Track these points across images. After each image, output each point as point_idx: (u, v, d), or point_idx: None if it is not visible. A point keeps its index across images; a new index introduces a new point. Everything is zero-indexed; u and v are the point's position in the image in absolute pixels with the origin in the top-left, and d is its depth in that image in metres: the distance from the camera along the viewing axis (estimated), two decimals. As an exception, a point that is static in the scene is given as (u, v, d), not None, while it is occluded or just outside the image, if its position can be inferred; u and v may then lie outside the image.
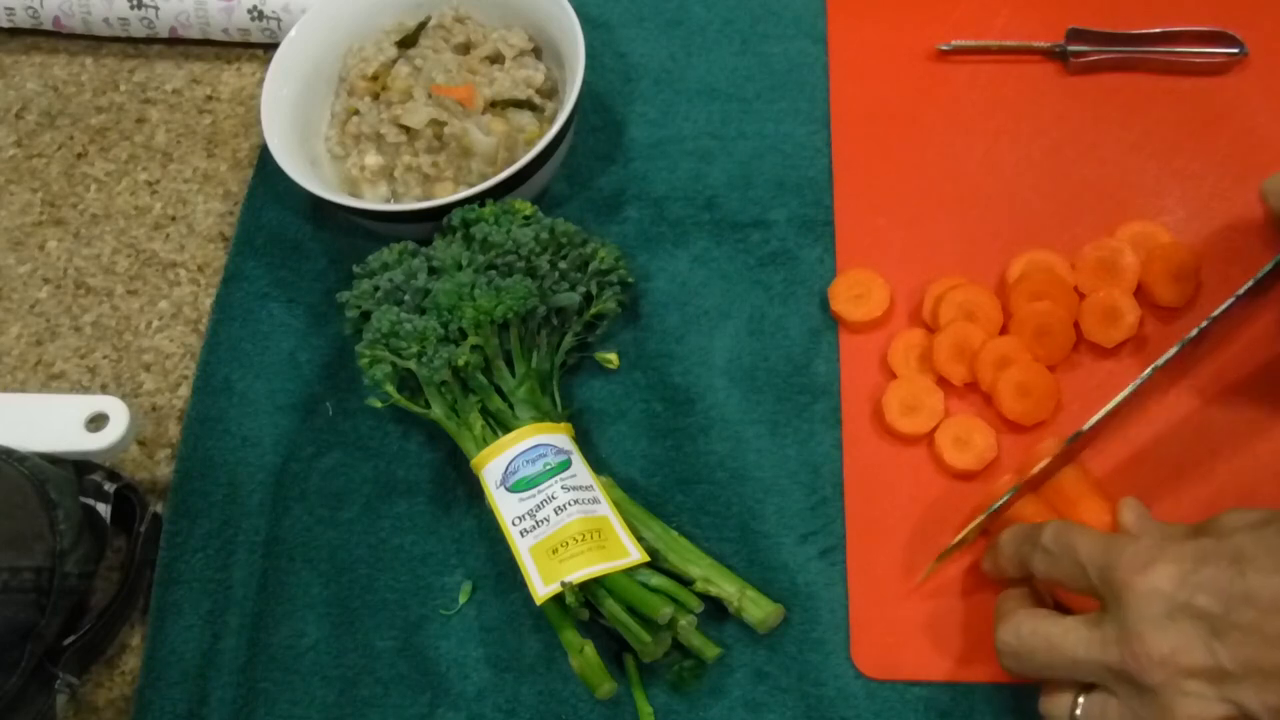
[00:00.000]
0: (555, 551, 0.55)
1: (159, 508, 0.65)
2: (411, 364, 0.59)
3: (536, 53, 0.73)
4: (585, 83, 0.67)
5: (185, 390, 0.69)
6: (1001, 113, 0.72)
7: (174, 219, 0.76)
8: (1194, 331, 0.59)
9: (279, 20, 0.78)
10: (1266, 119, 0.69)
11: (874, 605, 0.58)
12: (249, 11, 0.78)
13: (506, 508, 0.57)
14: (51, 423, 0.61)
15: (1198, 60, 0.71)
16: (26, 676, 0.56)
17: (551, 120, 0.70)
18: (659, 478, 0.63)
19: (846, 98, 0.73)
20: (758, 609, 0.57)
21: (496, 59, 0.72)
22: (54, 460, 0.60)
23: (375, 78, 0.72)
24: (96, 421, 0.62)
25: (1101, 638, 0.46)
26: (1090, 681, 0.47)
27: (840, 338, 0.65)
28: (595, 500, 0.57)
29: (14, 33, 0.84)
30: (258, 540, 0.63)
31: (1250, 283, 0.59)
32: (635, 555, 0.55)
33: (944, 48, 0.74)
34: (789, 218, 0.70)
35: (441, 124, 0.68)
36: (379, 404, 0.62)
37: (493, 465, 0.58)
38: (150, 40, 0.83)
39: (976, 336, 0.62)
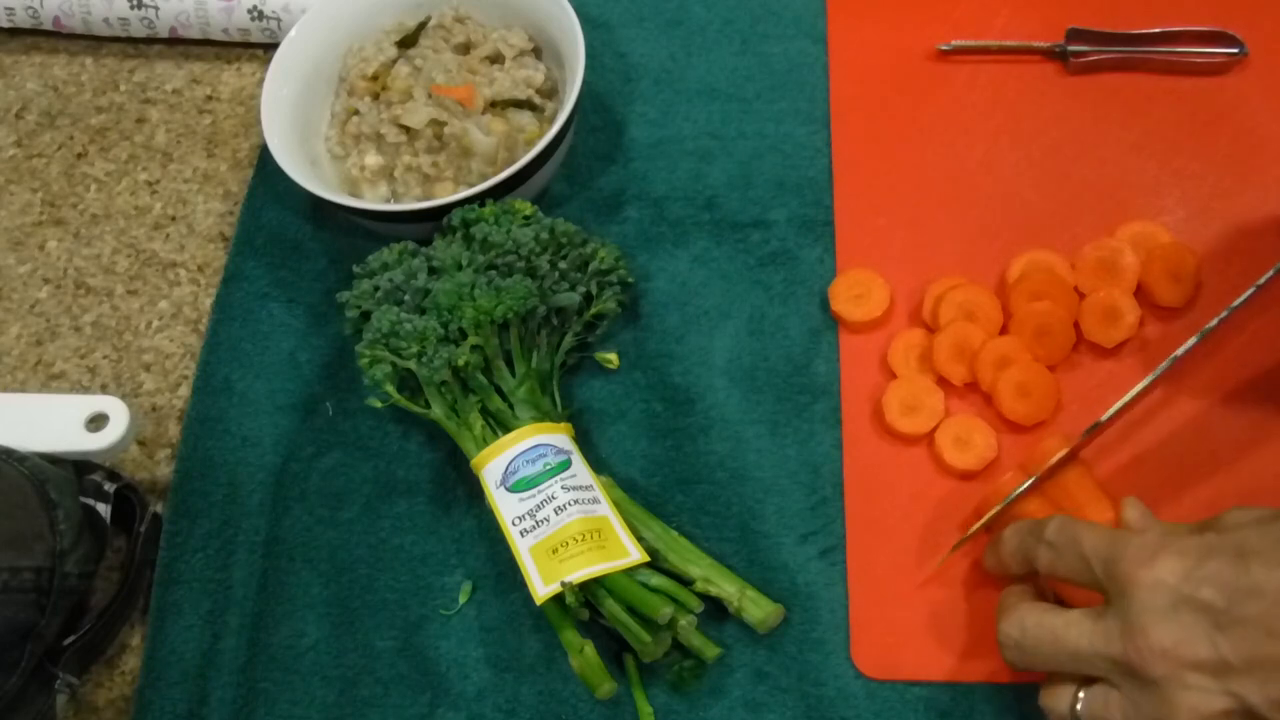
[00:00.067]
0: (555, 551, 0.55)
1: (159, 508, 0.65)
2: (411, 364, 0.59)
3: (536, 53, 0.73)
4: (585, 83, 0.67)
5: (185, 390, 0.69)
6: (1001, 113, 0.72)
7: (174, 219, 0.76)
8: (1213, 322, 0.59)
9: (279, 20, 0.78)
10: (1266, 119, 0.69)
11: (874, 605, 0.58)
12: (249, 11, 0.78)
13: (506, 508, 0.57)
14: (51, 423, 0.61)
15: (1198, 60, 0.71)
16: (26, 676, 0.56)
17: (551, 120, 0.70)
18: (659, 478, 0.63)
19: (846, 98, 0.73)
20: (758, 609, 0.57)
21: (496, 59, 0.72)
22: (54, 460, 0.60)
23: (375, 78, 0.72)
24: (96, 421, 0.62)
25: (1105, 630, 0.46)
26: (1092, 675, 0.47)
27: (840, 338, 0.65)
28: (595, 500, 0.57)
29: (14, 33, 0.84)
30: (258, 540, 0.63)
31: (1263, 279, 0.59)
32: (635, 555, 0.55)
33: (944, 48, 0.74)
34: (789, 218, 0.70)
35: (441, 124, 0.68)
36: (379, 404, 0.62)
37: (493, 465, 0.58)
38: (150, 40, 0.83)
39: (976, 336, 0.62)
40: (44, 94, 0.82)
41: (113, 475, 0.63)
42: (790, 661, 0.57)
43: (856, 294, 0.65)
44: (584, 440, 0.62)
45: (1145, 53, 0.72)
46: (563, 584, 0.54)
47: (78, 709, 0.61)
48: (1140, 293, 0.63)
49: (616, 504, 0.58)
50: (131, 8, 0.79)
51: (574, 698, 0.58)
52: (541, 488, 0.57)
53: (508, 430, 0.59)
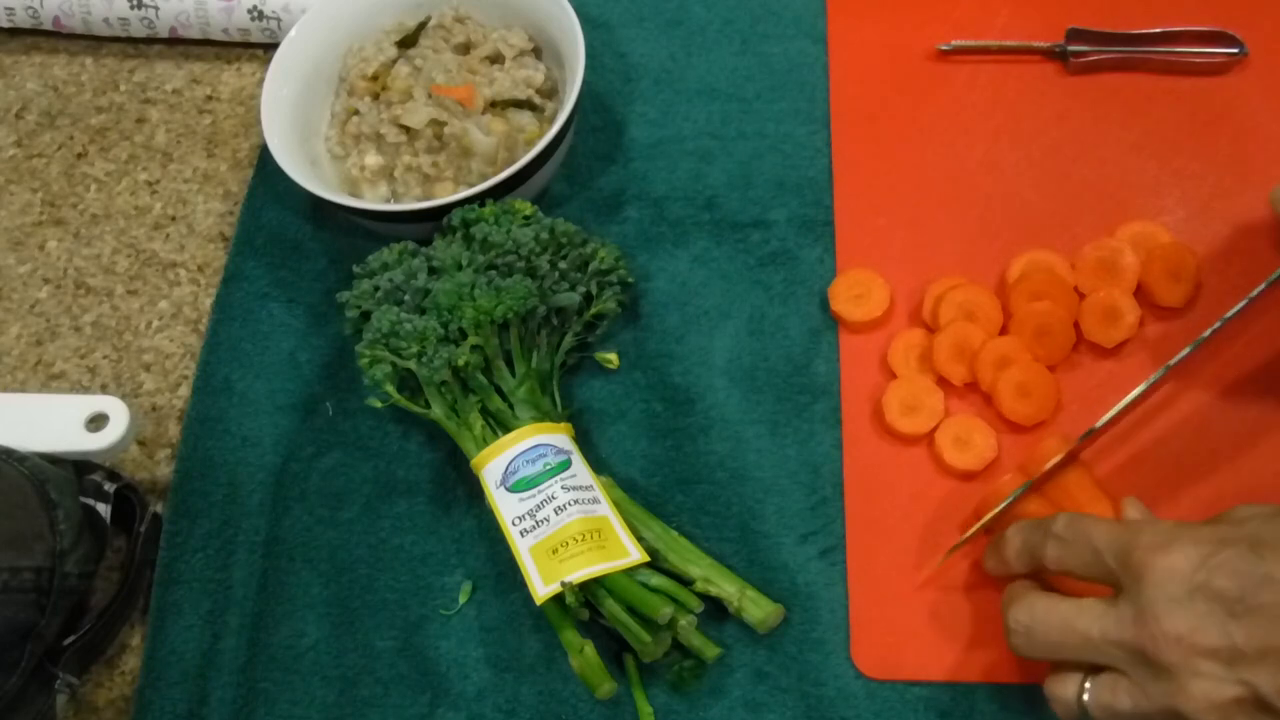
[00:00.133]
0: (555, 551, 0.55)
1: (159, 508, 0.65)
2: (411, 364, 0.59)
3: (536, 53, 0.73)
4: (585, 83, 0.67)
5: (185, 390, 0.69)
6: (1001, 113, 0.72)
7: (174, 219, 0.76)
8: (1208, 332, 0.59)
9: (279, 20, 0.78)
10: (1266, 119, 0.69)
11: (874, 605, 0.58)
12: (249, 11, 0.78)
13: (506, 508, 0.57)
14: (51, 423, 0.61)
15: (1198, 60, 0.71)
16: (26, 676, 0.56)
17: (551, 120, 0.70)
18: (659, 478, 0.63)
19: (846, 98, 0.73)
20: (758, 609, 0.57)
21: (496, 59, 0.72)
22: (54, 460, 0.60)
23: (375, 78, 0.72)
24: (96, 421, 0.62)
25: (1117, 616, 0.46)
26: (1101, 663, 0.47)
27: (840, 338, 0.65)
28: (595, 500, 0.57)
29: (14, 33, 0.84)
30: (258, 540, 0.63)
31: (1257, 291, 0.59)
32: (635, 555, 0.55)
33: (944, 48, 0.74)
34: (789, 218, 0.70)
35: (441, 124, 0.68)
36: (379, 404, 0.62)
37: (493, 465, 0.58)
38: (150, 40, 0.83)
39: (976, 336, 0.62)
40: (44, 94, 0.82)
41: (113, 475, 0.63)
42: (790, 661, 0.57)
43: (856, 294, 0.65)
44: (584, 440, 0.62)
45: (1145, 53, 0.72)
46: (563, 584, 0.54)
47: (78, 709, 0.61)
48: (1140, 293, 0.63)
49: (616, 504, 0.58)
50: (131, 8, 0.79)
51: (574, 698, 0.58)
52: (541, 488, 0.57)
53: (508, 430, 0.59)
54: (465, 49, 0.73)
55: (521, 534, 0.56)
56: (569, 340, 0.64)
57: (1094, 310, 0.62)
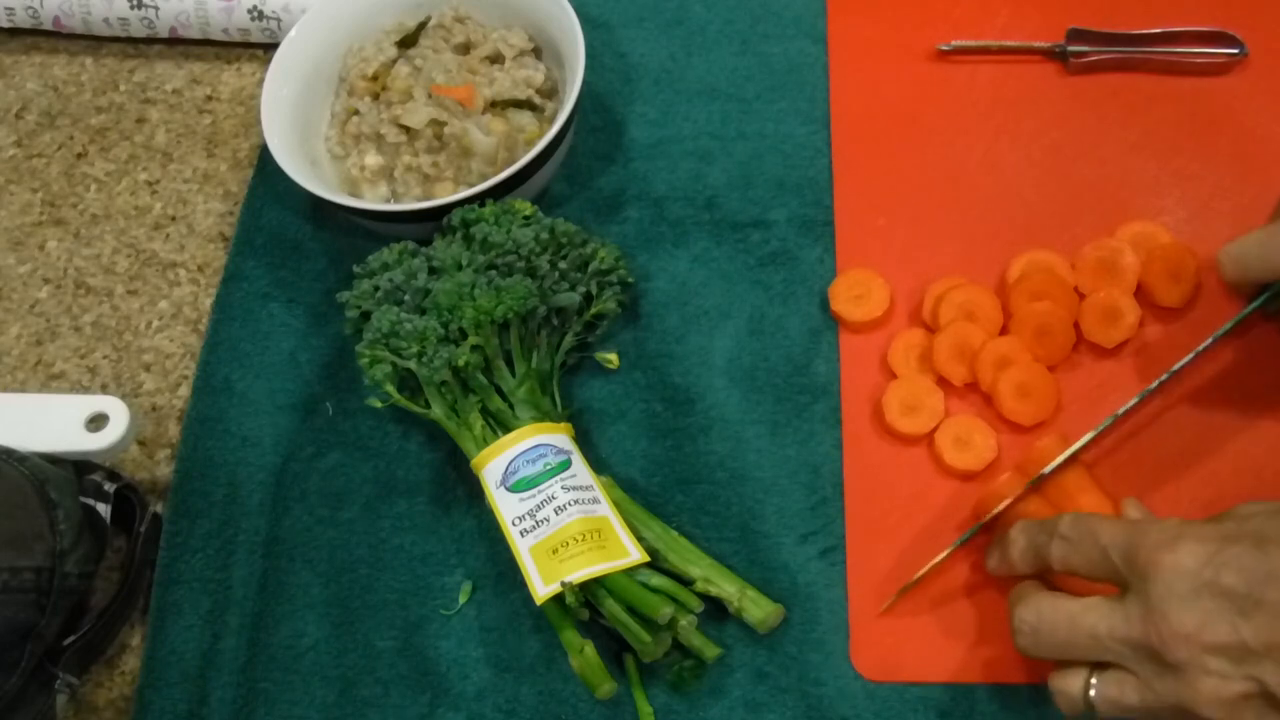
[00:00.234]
0: (555, 551, 0.55)
1: (159, 508, 0.65)
2: (411, 364, 0.59)
3: (536, 53, 0.73)
4: (585, 83, 0.67)
5: (185, 390, 0.69)
6: (1001, 113, 0.72)
7: (174, 219, 0.76)
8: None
9: (279, 20, 0.78)
10: (1267, 119, 0.69)
11: (874, 605, 0.58)
12: (249, 11, 0.78)
13: (506, 508, 0.57)
14: (51, 423, 0.61)
15: (1198, 60, 0.71)
16: (26, 676, 0.56)
17: (551, 120, 0.70)
18: (659, 478, 0.63)
19: (846, 98, 0.73)
20: (758, 609, 0.57)
21: (496, 59, 0.72)
22: (54, 460, 0.60)
23: (375, 78, 0.72)
24: (96, 421, 0.62)
25: (1125, 614, 0.46)
26: (1107, 660, 0.47)
27: (840, 338, 0.65)
28: (595, 500, 0.57)
29: (14, 33, 0.84)
30: (258, 540, 0.63)
31: (1257, 302, 0.59)
32: (635, 555, 0.55)
33: (944, 48, 0.74)
34: (789, 218, 0.70)
35: (441, 124, 0.68)
36: (379, 404, 0.62)
37: (493, 465, 0.58)
38: (150, 40, 0.83)
39: (976, 336, 0.62)
40: (44, 94, 0.82)
41: (113, 475, 0.63)
42: (790, 661, 0.57)
43: (856, 294, 0.65)
44: (584, 440, 0.62)
45: (1145, 53, 0.72)
46: (563, 584, 0.54)
47: (78, 709, 0.61)
48: (1140, 293, 0.63)
49: (616, 504, 0.58)
50: (131, 8, 0.79)
51: (574, 698, 0.58)
52: (541, 488, 0.57)
53: (508, 430, 0.59)
54: (465, 49, 0.73)
55: (521, 534, 0.56)
56: (569, 340, 0.64)
57: (1094, 310, 0.62)
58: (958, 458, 0.60)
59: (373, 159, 0.70)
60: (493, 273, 0.61)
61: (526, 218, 0.64)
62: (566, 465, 0.58)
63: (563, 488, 0.57)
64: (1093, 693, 0.48)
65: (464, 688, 0.59)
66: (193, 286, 0.73)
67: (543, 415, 0.60)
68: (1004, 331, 0.63)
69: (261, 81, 0.70)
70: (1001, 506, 0.57)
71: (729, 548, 0.60)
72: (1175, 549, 0.45)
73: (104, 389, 0.70)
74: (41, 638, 0.56)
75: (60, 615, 0.57)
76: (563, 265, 0.63)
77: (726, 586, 0.57)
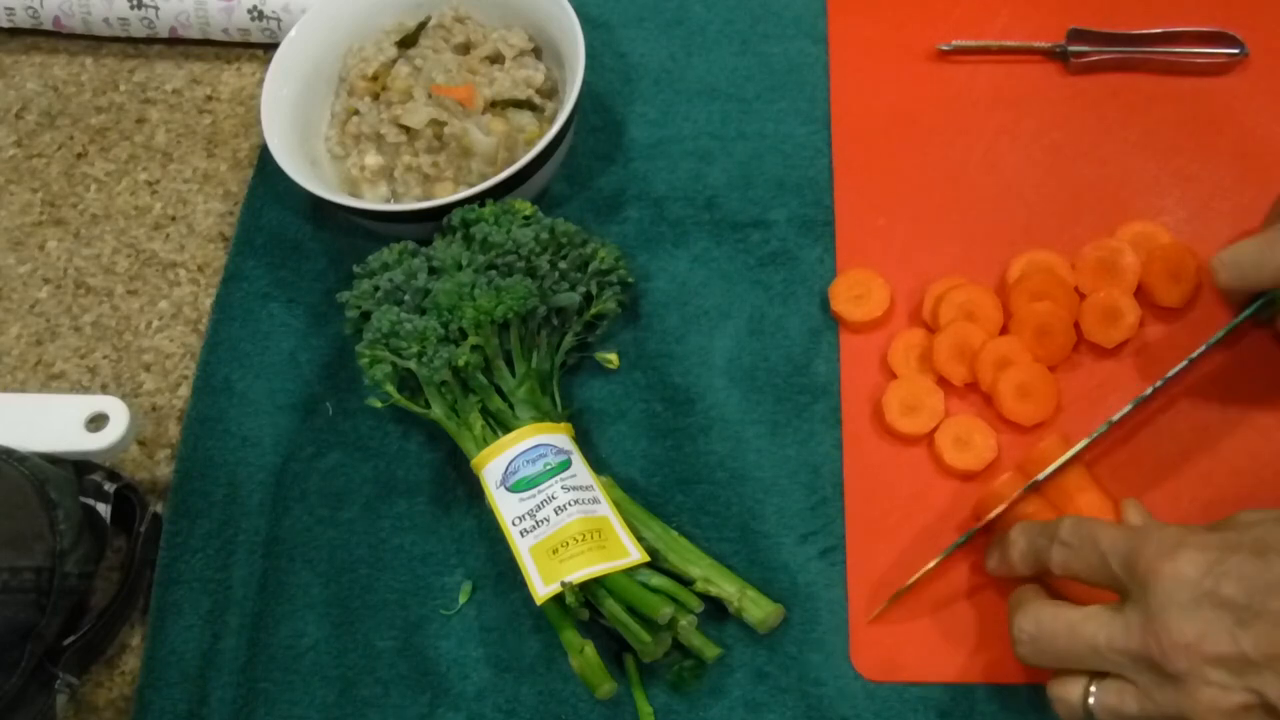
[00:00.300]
0: (555, 551, 0.55)
1: (159, 508, 0.65)
2: (411, 364, 0.59)
3: (536, 53, 0.73)
4: (585, 83, 0.67)
5: (185, 390, 0.69)
6: (1001, 113, 0.72)
7: (174, 219, 0.76)
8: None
9: (279, 20, 0.78)
10: (1267, 119, 0.69)
11: (874, 605, 0.58)
12: (249, 11, 0.78)
13: (506, 508, 0.57)
14: (51, 423, 0.61)
15: (1198, 61, 0.71)
16: (26, 676, 0.56)
17: (551, 120, 0.70)
18: (659, 478, 0.63)
19: (846, 98, 0.73)
20: (758, 609, 0.57)
21: (496, 59, 0.72)
22: (54, 460, 0.60)
23: (375, 78, 0.72)
24: (96, 421, 0.62)
25: (1124, 624, 0.46)
26: (1108, 670, 0.47)
27: (840, 338, 0.65)
28: (595, 500, 0.57)
29: (14, 33, 0.84)
30: (258, 540, 0.63)
31: (1257, 303, 0.59)
32: (635, 555, 0.55)
33: (944, 48, 0.74)
34: (789, 218, 0.70)
35: (441, 124, 0.68)
36: (379, 404, 0.62)
37: (493, 465, 0.58)
38: (150, 40, 0.83)
39: (977, 336, 0.62)
40: (44, 94, 0.82)
41: (113, 475, 0.63)
42: (790, 661, 0.57)
43: (856, 294, 0.65)
44: (584, 440, 0.62)
45: (1146, 53, 0.72)
46: (563, 584, 0.54)
47: (78, 709, 0.61)
48: (1140, 293, 0.63)
49: (616, 504, 0.58)
50: (131, 8, 0.79)
51: (574, 698, 0.58)
52: (541, 488, 0.57)
53: (508, 430, 0.59)
54: (465, 49, 0.73)
55: (521, 534, 0.56)
56: (569, 340, 0.64)
57: (1094, 310, 0.62)
58: (958, 458, 0.60)
59: (373, 159, 0.70)
60: (493, 273, 0.61)
61: (526, 218, 0.64)
62: (566, 465, 0.58)
63: (563, 488, 0.57)
64: (1092, 701, 0.47)
65: (464, 688, 0.59)
66: (193, 286, 0.73)
67: (543, 415, 0.60)
68: (1004, 331, 0.63)
69: (261, 81, 0.70)
70: (999, 510, 0.57)
71: (729, 548, 0.60)
72: (1175, 558, 0.45)
73: (104, 389, 0.70)
74: (41, 638, 0.56)
75: (60, 615, 0.57)
76: (563, 265, 0.63)
77: (726, 586, 0.57)
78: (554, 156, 0.68)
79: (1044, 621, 0.49)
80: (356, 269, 0.64)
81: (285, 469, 0.65)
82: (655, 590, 0.56)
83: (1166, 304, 0.63)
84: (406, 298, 0.61)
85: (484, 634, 0.60)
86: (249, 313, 0.70)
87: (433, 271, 0.62)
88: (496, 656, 0.59)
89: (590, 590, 0.55)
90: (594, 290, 0.64)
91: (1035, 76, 0.73)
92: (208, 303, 0.71)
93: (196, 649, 0.60)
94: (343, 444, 0.65)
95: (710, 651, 0.56)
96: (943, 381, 0.62)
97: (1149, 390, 0.59)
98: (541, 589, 0.54)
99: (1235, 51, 0.71)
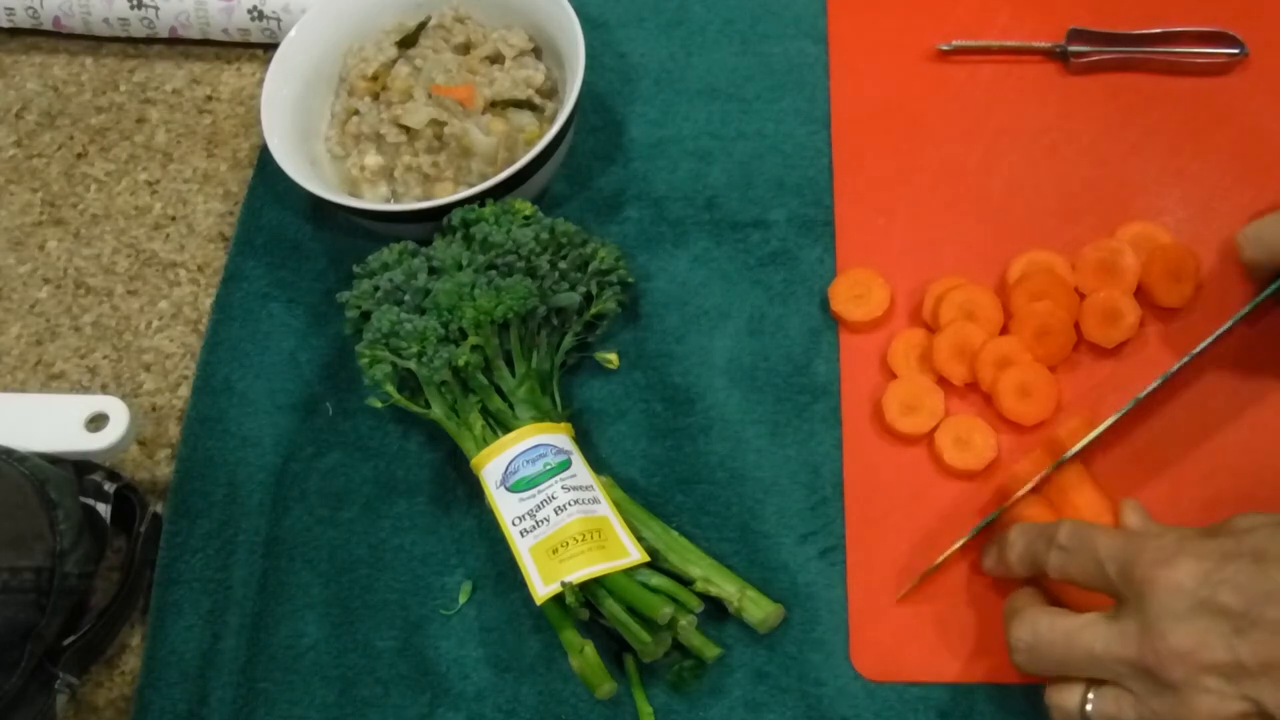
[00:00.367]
0: (555, 551, 0.55)
1: (159, 508, 0.65)
2: (411, 364, 0.59)
3: (536, 53, 0.73)
4: (585, 83, 0.67)
5: (185, 390, 0.69)
6: (1001, 113, 0.72)
7: (174, 219, 0.76)
8: (1206, 341, 0.59)
9: (279, 20, 0.78)
10: (1267, 119, 0.69)
11: (874, 605, 0.58)
12: (249, 11, 0.78)
13: (506, 508, 0.57)
14: (51, 423, 0.61)
15: (1198, 60, 0.71)
16: (26, 676, 0.56)
17: (551, 120, 0.70)
18: (659, 478, 0.63)
19: (846, 98, 0.73)
20: (758, 609, 0.57)
21: (496, 59, 0.72)
22: (54, 460, 0.60)
23: (375, 78, 0.72)
24: (96, 421, 0.62)
25: (1121, 632, 0.46)
26: (1105, 678, 0.47)
27: (840, 338, 0.65)
28: (595, 500, 0.57)
29: (14, 33, 0.84)
30: (258, 540, 0.63)
31: (1261, 297, 0.59)
32: (635, 555, 0.55)
33: (944, 48, 0.74)
34: (789, 218, 0.70)
35: (441, 124, 0.68)
36: (379, 404, 0.62)
37: (493, 465, 0.58)
38: (150, 40, 0.83)
39: (977, 336, 0.62)
40: (44, 94, 0.82)
41: (113, 475, 0.63)
42: (790, 661, 0.57)
43: (856, 294, 0.65)
44: (584, 440, 0.62)
45: (1146, 53, 0.72)
46: (563, 584, 0.54)
47: (78, 709, 0.61)
48: (1140, 293, 0.63)
49: (616, 504, 0.58)
50: (131, 8, 0.79)
51: (574, 698, 0.58)
52: (541, 488, 0.57)
53: (508, 430, 0.59)
54: (465, 49, 0.73)
55: (521, 534, 0.56)
56: (569, 340, 0.64)
57: (1094, 311, 0.62)
58: (958, 457, 0.60)
59: (373, 159, 0.70)
60: (493, 273, 0.61)
61: (526, 218, 0.64)
62: (566, 465, 0.58)
63: (563, 488, 0.57)
64: (1090, 708, 0.47)
65: (464, 688, 0.59)
66: (193, 286, 0.73)
67: (543, 415, 0.60)
68: (1004, 331, 0.63)
69: (261, 81, 0.70)
70: (1027, 489, 0.57)
71: (729, 548, 0.60)
72: (1172, 566, 0.45)
73: (104, 389, 0.70)
74: (41, 638, 0.56)
75: (60, 615, 0.57)
76: (563, 265, 0.63)
77: (726, 586, 0.57)
78: (554, 156, 0.68)
79: (1041, 630, 0.49)
80: (356, 269, 0.64)
81: (285, 469, 0.65)
82: (655, 590, 0.56)
83: (1166, 305, 0.63)
84: (406, 298, 0.61)
85: (484, 634, 0.60)
86: (249, 313, 0.70)
87: (433, 271, 0.62)
88: (496, 656, 0.59)
89: (590, 590, 0.55)
90: (594, 290, 0.64)
91: (1035, 76, 0.73)
92: (208, 303, 0.71)
93: (196, 649, 0.60)
94: (343, 444, 0.65)
95: (710, 651, 0.56)
96: (943, 381, 0.62)
97: (1176, 367, 0.59)
98: (541, 589, 0.54)
99: (1235, 51, 0.71)
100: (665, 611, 0.55)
